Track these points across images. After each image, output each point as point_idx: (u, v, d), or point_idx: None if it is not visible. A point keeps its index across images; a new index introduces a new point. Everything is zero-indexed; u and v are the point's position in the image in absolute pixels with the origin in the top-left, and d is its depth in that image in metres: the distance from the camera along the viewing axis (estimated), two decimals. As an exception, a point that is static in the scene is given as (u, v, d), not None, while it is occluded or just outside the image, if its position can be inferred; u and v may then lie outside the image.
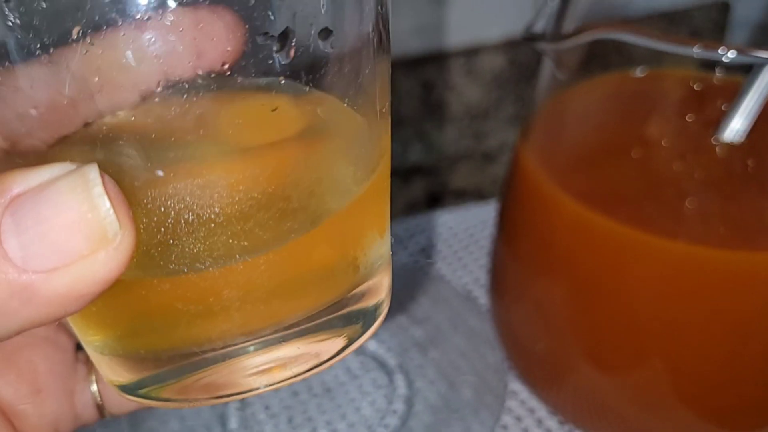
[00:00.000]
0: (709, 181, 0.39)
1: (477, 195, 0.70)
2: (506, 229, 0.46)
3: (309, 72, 0.22)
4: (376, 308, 0.26)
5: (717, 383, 0.41)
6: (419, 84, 0.76)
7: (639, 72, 0.44)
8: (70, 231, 0.19)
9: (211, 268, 0.22)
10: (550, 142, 0.44)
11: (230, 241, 0.22)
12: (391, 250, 0.27)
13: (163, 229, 0.21)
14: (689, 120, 0.41)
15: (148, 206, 0.21)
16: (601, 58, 0.43)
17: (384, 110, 0.25)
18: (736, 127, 0.38)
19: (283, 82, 0.22)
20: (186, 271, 0.22)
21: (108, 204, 0.19)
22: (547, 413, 0.48)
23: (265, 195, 0.22)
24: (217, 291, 0.23)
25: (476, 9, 0.74)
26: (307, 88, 0.22)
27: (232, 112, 0.22)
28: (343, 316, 0.25)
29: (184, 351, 0.24)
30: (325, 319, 0.25)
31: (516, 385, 0.50)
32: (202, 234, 0.22)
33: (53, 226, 0.18)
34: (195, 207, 0.22)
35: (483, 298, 0.56)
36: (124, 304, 0.23)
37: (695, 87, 0.43)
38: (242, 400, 0.49)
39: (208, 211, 0.22)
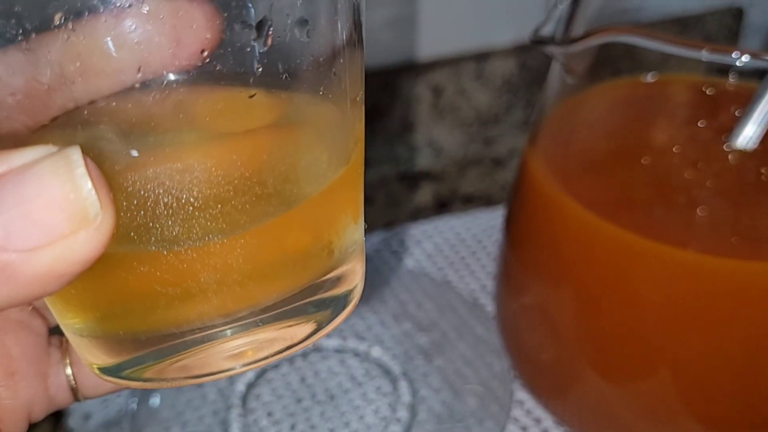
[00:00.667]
0: (720, 189, 0.39)
1: (486, 201, 0.69)
2: (513, 235, 0.45)
3: (285, 61, 0.23)
4: (347, 295, 0.27)
5: (726, 395, 0.40)
6: (429, 88, 0.75)
7: (649, 78, 0.43)
8: (52, 210, 0.19)
9: (188, 250, 0.23)
10: (559, 148, 0.43)
11: (207, 223, 0.23)
12: (366, 238, 0.28)
13: (142, 211, 0.22)
14: (700, 126, 0.41)
15: (128, 189, 0.22)
16: (610, 62, 0.42)
17: (357, 99, 0.26)
18: (749, 133, 0.37)
19: (260, 70, 0.22)
20: (165, 253, 0.23)
21: (90, 185, 0.19)
22: (553, 423, 0.48)
23: (242, 179, 0.23)
24: (194, 273, 0.23)
25: (486, 13, 0.74)
26: (283, 77, 0.23)
27: (210, 99, 0.23)
28: (316, 301, 0.26)
29: (164, 333, 0.24)
30: (299, 303, 0.25)
31: (522, 394, 0.50)
32: (180, 216, 0.22)
33: (35, 205, 0.19)
34: (173, 190, 0.22)
35: (490, 305, 0.56)
36: (104, 285, 0.24)
37: (707, 93, 0.42)
38: (244, 406, 0.48)
39: (186, 194, 0.22)
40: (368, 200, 0.71)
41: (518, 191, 0.44)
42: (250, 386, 0.49)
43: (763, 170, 0.39)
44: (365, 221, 0.28)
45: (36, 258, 0.19)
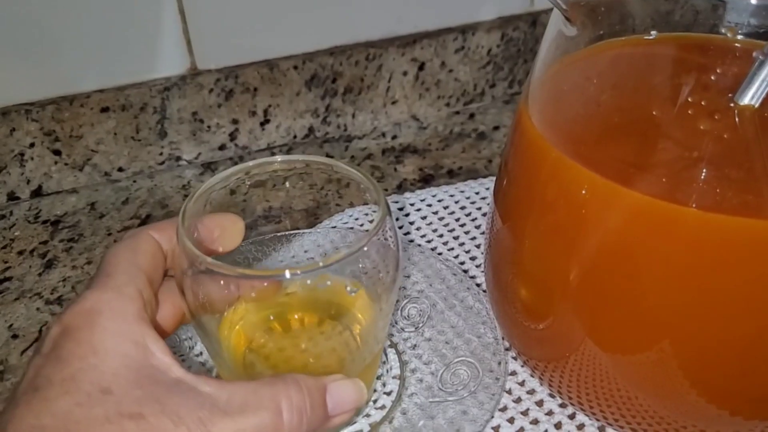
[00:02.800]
0: (726, 147, 0.37)
1: (470, 174, 0.68)
2: (504, 200, 0.44)
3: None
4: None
5: (727, 366, 0.39)
6: (413, 62, 0.74)
7: (652, 35, 0.42)
8: (351, 404, 0.38)
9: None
10: (554, 106, 0.42)
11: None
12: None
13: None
14: (704, 84, 0.39)
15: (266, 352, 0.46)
16: (611, 15, 0.41)
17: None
18: (757, 90, 0.36)
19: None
20: None
21: (365, 394, 0.39)
22: (548, 395, 0.46)
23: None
24: None
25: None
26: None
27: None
28: None
29: None
30: None
31: (514, 366, 0.48)
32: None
33: (347, 399, 0.38)
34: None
35: (478, 275, 0.54)
36: None
37: (711, 50, 0.41)
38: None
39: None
40: (351, 175, 0.70)
41: (510, 154, 0.43)
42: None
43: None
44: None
45: (338, 418, 0.38)
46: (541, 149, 0.40)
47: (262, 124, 0.73)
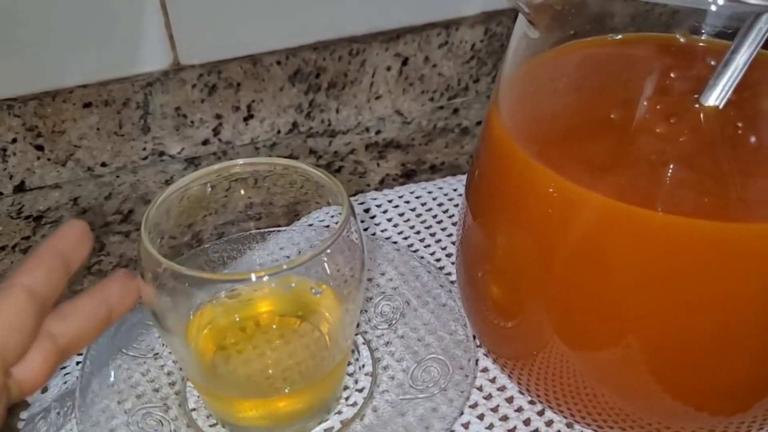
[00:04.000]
0: (691, 148, 0.37)
1: (453, 170, 0.68)
2: (474, 199, 0.44)
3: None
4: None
5: (695, 364, 0.39)
6: (396, 57, 0.74)
7: (616, 36, 0.42)
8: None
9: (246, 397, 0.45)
10: (521, 108, 0.42)
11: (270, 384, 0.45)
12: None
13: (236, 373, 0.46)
14: (669, 84, 0.39)
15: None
16: (575, 17, 0.41)
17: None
18: (721, 91, 0.36)
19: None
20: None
21: None
22: (517, 392, 0.47)
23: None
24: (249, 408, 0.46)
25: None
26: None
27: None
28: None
29: None
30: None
31: (486, 362, 0.48)
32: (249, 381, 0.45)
33: None
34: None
35: (453, 271, 0.54)
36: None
37: (675, 51, 0.41)
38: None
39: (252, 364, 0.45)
40: (336, 169, 0.70)
41: (480, 154, 0.43)
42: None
43: (735, 127, 0.37)
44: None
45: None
46: (508, 150, 0.40)
47: (245, 119, 0.73)
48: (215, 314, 0.45)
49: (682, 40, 0.41)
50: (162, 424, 0.45)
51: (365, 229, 0.60)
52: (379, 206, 0.62)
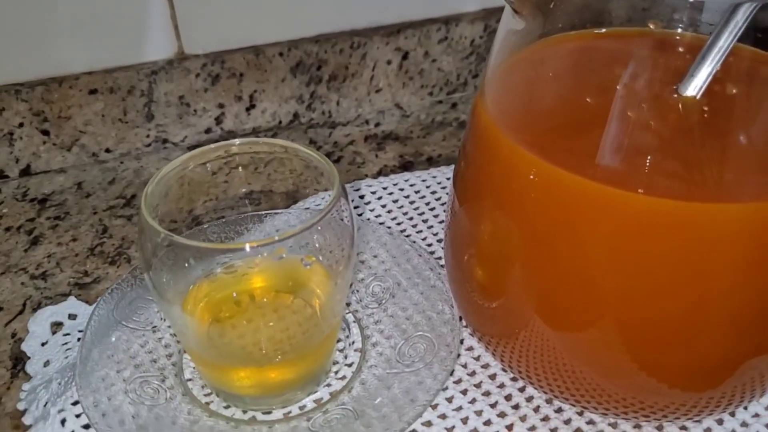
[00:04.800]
0: (667, 135, 0.39)
1: (449, 163, 0.70)
2: (460, 185, 0.46)
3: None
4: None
5: (669, 342, 0.41)
6: (397, 52, 0.75)
7: (599, 29, 0.44)
8: None
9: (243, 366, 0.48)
10: (505, 97, 0.43)
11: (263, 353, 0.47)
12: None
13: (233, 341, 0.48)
14: (649, 75, 0.41)
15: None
16: (558, 9, 0.43)
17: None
18: (699, 82, 0.38)
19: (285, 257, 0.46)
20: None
21: None
22: (501, 369, 0.48)
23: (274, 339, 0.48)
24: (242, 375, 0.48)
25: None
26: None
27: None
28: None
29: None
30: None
31: (472, 341, 0.50)
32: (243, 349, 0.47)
33: None
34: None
35: (443, 255, 0.56)
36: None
37: (655, 44, 0.43)
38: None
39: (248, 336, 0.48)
40: (335, 160, 0.72)
41: (466, 142, 0.45)
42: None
43: (709, 116, 0.39)
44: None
45: None
46: (492, 136, 0.42)
47: (247, 109, 0.75)
48: (212, 288, 0.47)
49: (662, 33, 0.43)
50: (158, 392, 0.46)
51: (360, 215, 0.62)
52: (374, 193, 0.64)
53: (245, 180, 0.52)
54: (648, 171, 0.38)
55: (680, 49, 0.43)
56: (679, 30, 0.42)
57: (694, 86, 0.39)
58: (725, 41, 0.38)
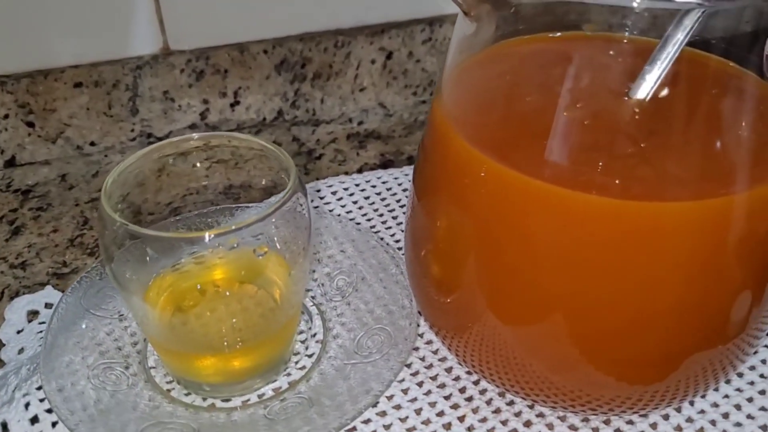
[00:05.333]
0: (616, 136, 0.40)
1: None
2: (418, 183, 0.47)
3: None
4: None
5: (615, 336, 0.42)
6: (381, 51, 0.76)
7: (553, 34, 0.45)
8: None
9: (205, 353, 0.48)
10: (459, 96, 0.44)
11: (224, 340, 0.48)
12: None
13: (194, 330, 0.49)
14: (596, 77, 0.42)
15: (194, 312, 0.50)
16: (509, 14, 0.44)
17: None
18: (649, 85, 0.39)
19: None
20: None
21: None
22: (457, 363, 0.49)
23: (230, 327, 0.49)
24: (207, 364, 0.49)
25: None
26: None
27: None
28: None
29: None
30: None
31: (432, 336, 0.51)
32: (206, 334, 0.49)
33: None
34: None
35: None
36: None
37: (607, 48, 0.44)
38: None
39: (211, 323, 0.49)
40: (317, 156, 0.73)
41: (424, 140, 0.46)
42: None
43: (654, 118, 0.40)
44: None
45: None
46: (446, 135, 0.43)
47: (232, 105, 0.76)
48: (175, 279, 0.48)
49: (612, 37, 0.44)
50: (121, 379, 0.48)
51: (330, 210, 0.63)
52: (346, 189, 0.65)
53: (225, 175, 0.53)
54: (593, 170, 0.39)
55: (629, 53, 0.43)
56: (627, 34, 0.43)
57: (644, 89, 0.40)
58: (674, 46, 0.39)
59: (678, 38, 0.39)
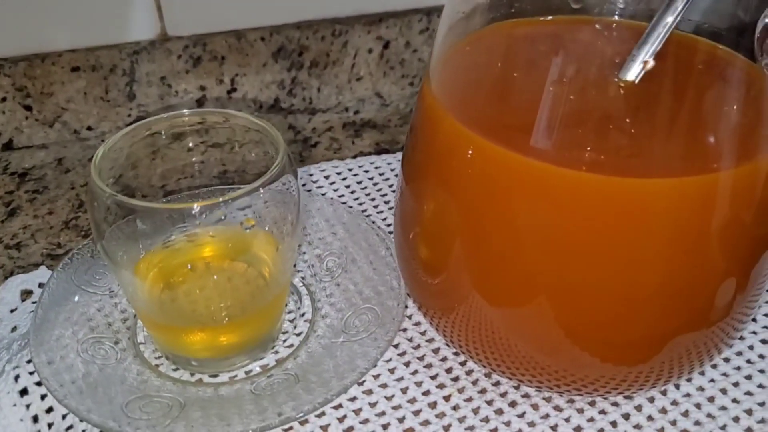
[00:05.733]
0: (598, 115, 0.40)
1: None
2: (407, 165, 0.47)
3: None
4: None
5: (600, 317, 0.42)
6: (378, 41, 0.77)
7: (543, 17, 0.45)
8: None
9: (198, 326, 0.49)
10: (448, 78, 0.45)
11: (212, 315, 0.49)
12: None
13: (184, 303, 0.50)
14: (584, 58, 0.42)
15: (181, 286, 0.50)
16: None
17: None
18: (637, 68, 0.39)
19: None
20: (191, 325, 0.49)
21: None
22: (444, 344, 0.50)
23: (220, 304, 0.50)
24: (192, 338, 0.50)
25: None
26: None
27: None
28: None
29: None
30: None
31: (420, 317, 0.51)
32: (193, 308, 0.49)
33: None
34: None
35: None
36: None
37: (595, 30, 0.44)
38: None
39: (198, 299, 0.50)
40: (312, 144, 0.73)
41: (413, 123, 0.46)
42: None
43: (640, 98, 0.40)
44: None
45: None
46: (435, 116, 0.43)
47: (229, 92, 0.76)
48: (165, 255, 0.48)
49: (602, 20, 0.44)
50: (110, 353, 0.48)
51: (323, 194, 0.63)
52: (339, 174, 0.65)
53: (220, 160, 0.53)
54: (580, 149, 0.39)
55: (619, 35, 0.44)
56: (617, 18, 0.44)
57: (634, 71, 0.40)
58: (664, 28, 0.39)
59: (668, 21, 0.39)
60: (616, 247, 0.40)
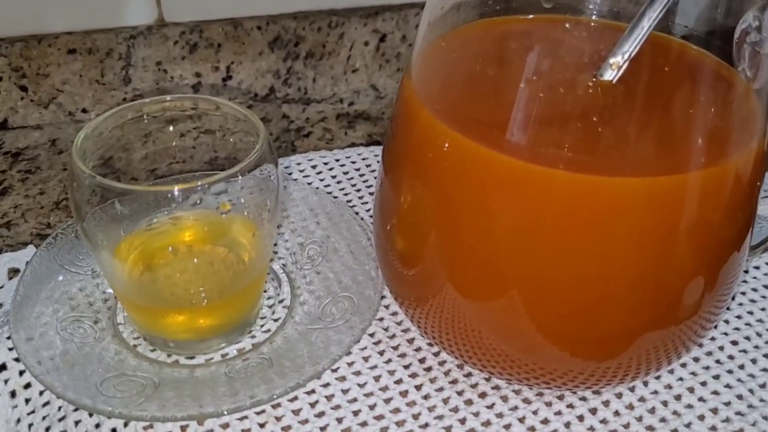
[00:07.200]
0: (572, 113, 0.41)
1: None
2: (386, 158, 0.48)
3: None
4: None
5: (570, 312, 0.43)
6: (374, 33, 0.77)
7: (523, 16, 0.46)
8: None
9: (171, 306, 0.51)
10: (427, 73, 0.45)
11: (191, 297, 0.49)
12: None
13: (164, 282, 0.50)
14: (567, 59, 0.43)
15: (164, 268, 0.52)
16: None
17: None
18: (616, 67, 0.40)
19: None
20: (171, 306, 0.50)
21: None
22: (420, 335, 0.50)
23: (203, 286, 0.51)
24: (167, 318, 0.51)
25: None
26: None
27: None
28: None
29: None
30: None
31: (397, 307, 0.52)
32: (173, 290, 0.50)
33: None
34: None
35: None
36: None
37: (576, 31, 0.45)
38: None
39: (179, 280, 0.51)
40: (305, 134, 0.74)
41: (392, 117, 0.47)
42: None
43: (616, 97, 0.41)
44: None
45: None
46: (412, 110, 0.44)
47: (224, 79, 0.77)
48: (146, 238, 0.49)
49: (581, 20, 0.45)
50: (88, 332, 0.49)
51: (309, 183, 0.64)
52: (326, 164, 0.66)
53: (211, 146, 0.54)
54: (552, 146, 0.40)
55: (597, 35, 0.44)
56: (595, 17, 0.44)
57: (612, 70, 0.40)
58: (643, 29, 0.40)
59: (647, 22, 0.39)
60: (587, 244, 0.40)
